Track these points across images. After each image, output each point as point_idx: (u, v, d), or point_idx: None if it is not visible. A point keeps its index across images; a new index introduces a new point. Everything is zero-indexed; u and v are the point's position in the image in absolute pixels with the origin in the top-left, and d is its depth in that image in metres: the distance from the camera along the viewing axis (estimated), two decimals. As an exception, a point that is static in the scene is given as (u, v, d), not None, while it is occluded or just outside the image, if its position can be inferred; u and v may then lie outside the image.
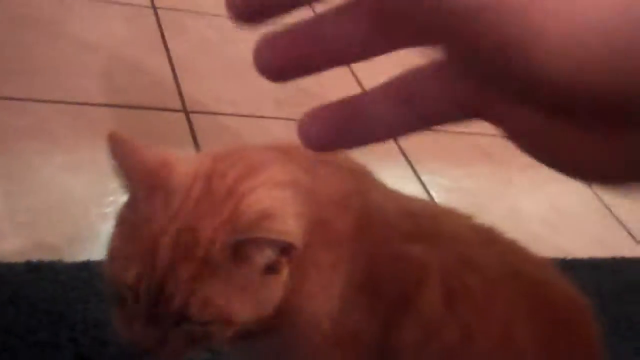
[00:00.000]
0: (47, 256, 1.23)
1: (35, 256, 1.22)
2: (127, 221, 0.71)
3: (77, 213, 1.32)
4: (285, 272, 0.71)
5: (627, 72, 0.22)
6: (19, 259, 1.22)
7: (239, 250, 0.67)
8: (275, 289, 0.71)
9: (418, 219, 0.82)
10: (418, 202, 0.87)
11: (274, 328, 0.74)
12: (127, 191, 0.72)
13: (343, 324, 0.76)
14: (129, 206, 0.72)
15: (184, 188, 0.69)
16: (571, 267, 1.61)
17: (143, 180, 0.69)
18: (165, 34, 1.97)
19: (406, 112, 0.31)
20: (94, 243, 1.29)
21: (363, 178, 0.84)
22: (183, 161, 0.72)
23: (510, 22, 0.23)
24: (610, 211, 1.99)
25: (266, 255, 0.68)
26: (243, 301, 0.69)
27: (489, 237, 0.86)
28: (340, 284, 0.75)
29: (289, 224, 0.68)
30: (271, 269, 0.70)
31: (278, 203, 0.70)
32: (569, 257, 1.70)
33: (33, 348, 1.06)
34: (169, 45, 1.93)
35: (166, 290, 0.67)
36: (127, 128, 1.62)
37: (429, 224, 0.82)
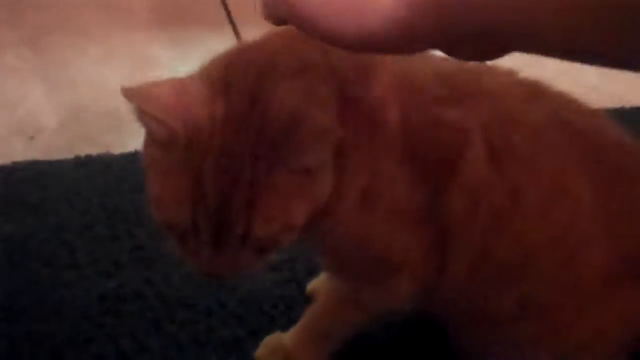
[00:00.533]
0: (94, 150, 1.23)
1: (83, 151, 1.22)
2: (161, 162, 0.67)
3: (118, 104, 1.30)
4: (330, 162, 0.68)
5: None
6: (68, 155, 1.21)
7: (285, 160, 0.64)
8: (326, 180, 0.68)
9: (454, 80, 0.77)
10: (455, 62, 0.81)
11: (325, 215, 0.71)
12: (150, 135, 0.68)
13: (388, 198, 0.74)
14: (156, 146, 0.68)
15: (206, 111, 0.65)
16: (630, 115, 1.55)
17: (166, 121, 0.65)
18: None
19: None
20: (139, 133, 1.27)
21: None
22: (196, 80, 0.68)
23: None
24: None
25: (311, 155, 0.65)
26: (300, 204, 0.67)
27: (534, 91, 0.80)
28: (379, 158, 0.72)
29: (322, 117, 0.64)
30: (318, 164, 0.66)
31: (302, 96, 0.66)
32: (627, 105, 1.63)
33: (90, 243, 1.07)
34: None
35: (225, 219, 0.65)
36: (160, 12, 1.57)
37: (466, 84, 0.77)
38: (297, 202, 0.66)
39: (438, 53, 0.51)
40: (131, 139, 1.26)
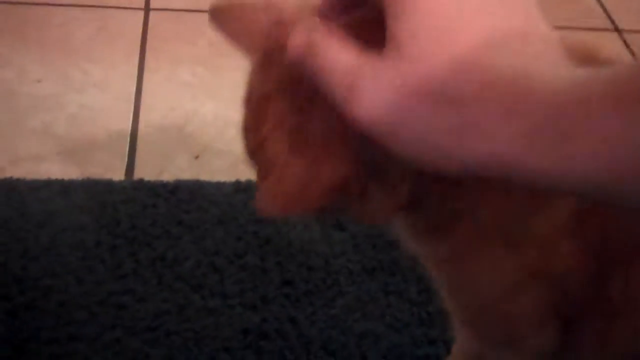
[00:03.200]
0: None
1: (244, 175, 1.21)
2: None
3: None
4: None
5: None
6: (229, 177, 1.21)
7: None
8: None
9: None
10: None
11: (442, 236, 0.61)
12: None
13: (545, 252, 0.60)
14: None
15: None
16: None
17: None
18: None
19: None
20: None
21: None
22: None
23: None
24: None
25: None
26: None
27: None
28: (537, 209, 0.58)
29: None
30: None
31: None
32: None
33: (240, 271, 1.06)
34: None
35: None
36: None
37: None
38: None
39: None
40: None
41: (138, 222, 1.11)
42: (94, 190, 1.16)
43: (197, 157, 1.26)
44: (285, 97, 0.53)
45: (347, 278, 1.06)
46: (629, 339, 0.65)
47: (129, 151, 1.27)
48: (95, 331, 0.96)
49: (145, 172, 1.22)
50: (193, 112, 1.36)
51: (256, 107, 0.56)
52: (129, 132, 1.30)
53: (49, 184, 1.16)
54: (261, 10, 0.59)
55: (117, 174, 1.22)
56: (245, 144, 0.57)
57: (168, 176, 1.20)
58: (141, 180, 1.19)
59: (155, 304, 1.00)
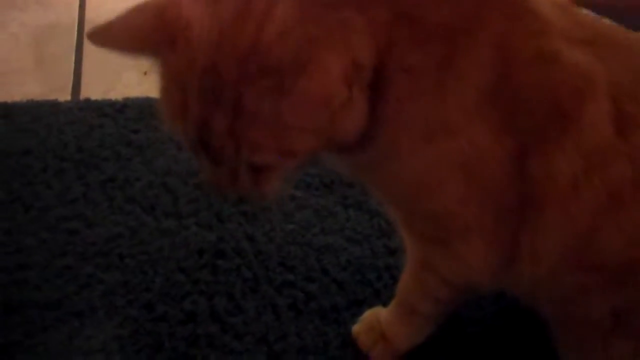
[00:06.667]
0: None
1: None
2: (160, 76, 0.61)
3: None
4: (359, 96, 0.58)
5: None
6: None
7: (278, 96, 0.55)
8: (344, 118, 0.58)
9: (588, 26, 0.64)
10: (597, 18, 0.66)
11: (369, 142, 0.62)
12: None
13: (460, 140, 0.61)
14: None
15: (196, 23, 0.56)
16: None
17: (149, 41, 0.59)
18: None
19: None
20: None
21: None
22: None
23: None
24: None
25: (310, 112, 0.56)
26: (303, 134, 0.58)
27: None
28: (451, 89, 0.60)
29: (334, 67, 0.54)
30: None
31: (311, 20, 0.54)
32: None
33: (194, 190, 1.03)
34: None
35: (210, 142, 0.59)
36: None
37: (602, 34, 0.64)
38: (298, 132, 0.58)
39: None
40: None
41: (85, 144, 1.07)
42: (39, 113, 1.11)
43: (145, 73, 1.21)
44: None
45: (305, 192, 1.04)
46: (557, 243, 0.64)
47: (74, 70, 1.21)
48: (45, 258, 0.93)
49: (92, 91, 1.17)
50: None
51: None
52: (74, 49, 1.25)
53: (-10, 108, 1.11)
54: (138, 11, 0.60)
55: (63, 95, 1.17)
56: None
57: (116, 94, 1.16)
58: (87, 100, 1.15)
59: (106, 227, 0.97)
